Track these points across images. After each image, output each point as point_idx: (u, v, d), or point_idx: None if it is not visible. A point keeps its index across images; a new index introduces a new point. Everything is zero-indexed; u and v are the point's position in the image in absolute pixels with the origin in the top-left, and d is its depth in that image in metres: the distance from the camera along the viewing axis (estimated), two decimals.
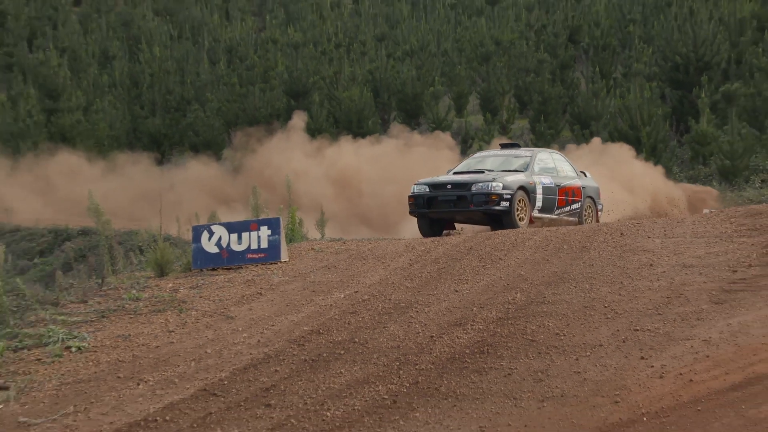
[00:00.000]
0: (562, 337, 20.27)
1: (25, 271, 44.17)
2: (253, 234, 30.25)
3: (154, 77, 79.59)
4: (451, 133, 62.72)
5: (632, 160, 49.24)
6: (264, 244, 30.13)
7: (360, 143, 53.42)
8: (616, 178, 43.65)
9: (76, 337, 23.57)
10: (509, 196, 32.92)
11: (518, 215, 33.45)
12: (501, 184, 33.19)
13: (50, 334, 23.78)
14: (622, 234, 28.66)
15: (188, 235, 31.58)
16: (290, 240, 32.17)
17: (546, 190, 34.93)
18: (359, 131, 61.54)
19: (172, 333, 23.77)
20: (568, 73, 71.34)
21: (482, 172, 34.91)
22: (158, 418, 18.47)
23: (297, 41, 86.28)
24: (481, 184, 33.22)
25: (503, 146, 38.84)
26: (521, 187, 33.85)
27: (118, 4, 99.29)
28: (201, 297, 26.87)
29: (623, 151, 50.54)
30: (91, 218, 35.47)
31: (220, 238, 30.18)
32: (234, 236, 30.18)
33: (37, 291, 29.22)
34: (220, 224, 31.10)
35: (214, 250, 30.05)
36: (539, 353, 19.57)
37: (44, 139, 68.04)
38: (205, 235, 30.34)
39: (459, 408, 17.63)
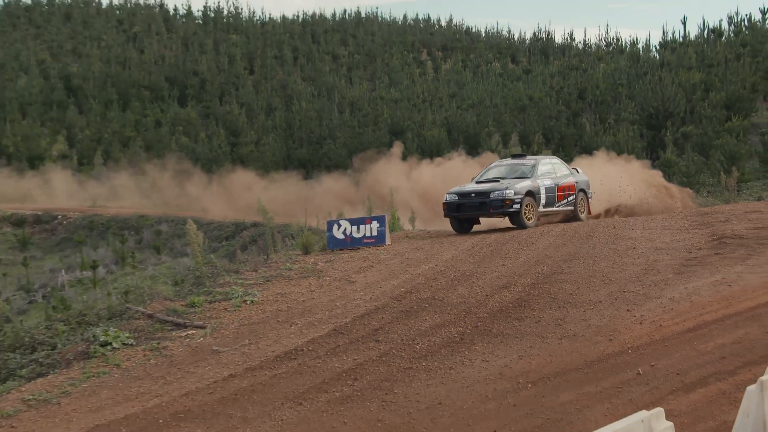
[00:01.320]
0: (574, 296, 20.27)
1: (216, 251, 44.42)
2: (367, 226, 30.37)
3: (302, 122, 79.93)
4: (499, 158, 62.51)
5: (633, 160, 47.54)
6: (374, 233, 30.23)
7: (437, 162, 53.25)
8: (626, 171, 42.06)
9: (249, 294, 23.72)
10: (519, 201, 31.67)
11: (526, 215, 32.03)
12: (513, 191, 31.75)
13: (233, 292, 23.94)
14: (614, 227, 28.69)
15: (324, 226, 31.73)
16: (392, 230, 32.27)
17: (548, 190, 33.33)
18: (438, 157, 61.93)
19: (313, 292, 23.90)
20: (578, 119, 70.96)
21: (498, 180, 33.20)
22: (304, 348, 18.63)
23: (396, 97, 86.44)
24: (497, 192, 31.79)
25: (514, 156, 37.02)
26: (528, 192, 32.35)
27: (278, 74, 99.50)
28: (332, 268, 26.99)
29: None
30: (260, 215, 35.72)
31: (345, 229, 30.29)
32: (354, 227, 30.31)
33: (224, 264, 29.40)
34: (345, 219, 31.19)
35: (341, 236, 30.13)
36: (559, 307, 19.59)
37: (228, 162, 68.51)
38: (335, 226, 30.46)
39: (505, 343, 17.70)
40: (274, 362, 18.06)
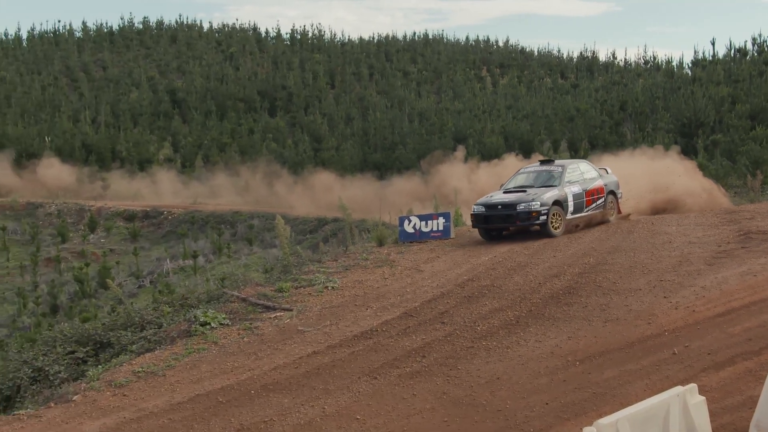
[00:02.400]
0: (617, 284, 20.10)
1: (301, 243, 44.55)
2: (434, 221, 30.20)
3: (376, 130, 79.93)
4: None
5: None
6: (441, 228, 30.07)
7: (494, 164, 52.93)
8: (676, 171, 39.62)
9: (330, 281, 23.72)
10: (545, 212, 28.02)
11: (553, 225, 28.29)
12: (539, 203, 28.07)
13: (316, 279, 23.95)
14: (652, 224, 28.46)
15: (396, 222, 31.62)
16: (455, 225, 32.05)
17: (575, 196, 29.40)
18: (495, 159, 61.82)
19: (386, 279, 23.84)
20: (620, 128, 70.34)
21: (524, 190, 29.29)
22: (378, 329, 18.60)
23: (459, 108, 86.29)
24: (523, 205, 28.10)
25: (542, 162, 32.19)
26: (555, 202, 28.58)
27: (356, 88, 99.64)
28: (403, 258, 26.93)
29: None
30: (340, 211, 35.76)
31: (414, 224, 30.15)
32: (423, 222, 30.18)
33: (308, 254, 29.44)
34: (415, 215, 31.11)
35: (411, 230, 30.02)
36: (603, 294, 19.43)
37: (312, 165, 68.65)
38: (406, 221, 30.35)
39: (556, 326, 17.58)
40: (352, 341, 18.06)
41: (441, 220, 30.28)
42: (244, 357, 17.88)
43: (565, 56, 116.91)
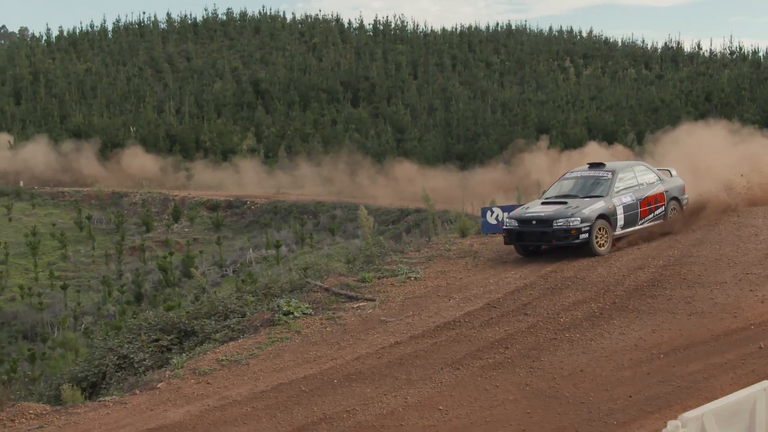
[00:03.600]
0: (702, 277, 19.91)
1: (383, 233, 44.66)
2: None
3: (459, 121, 79.83)
4: (633, 151, 61.30)
5: None
6: None
7: (568, 153, 52.45)
8: None
9: (413, 271, 23.77)
10: (587, 229, 23.79)
11: (598, 242, 24.04)
12: (579, 219, 23.86)
13: (398, 269, 24.01)
14: (738, 216, 27.90)
15: (479, 213, 31.55)
16: None
17: (627, 208, 25.07)
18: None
19: (469, 270, 23.85)
20: (705, 119, 69.65)
21: (565, 202, 24.88)
22: (461, 320, 18.64)
23: (543, 99, 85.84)
24: (561, 221, 23.93)
25: (591, 166, 26.93)
26: (600, 216, 24.33)
27: (439, 78, 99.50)
28: (486, 249, 26.89)
29: None
30: (423, 202, 35.81)
31: (497, 215, 29.96)
32: (505, 213, 30.01)
33: (391, 245, 29.48)
34: (497, 206, 30.99)
35: (494, 222, 29.87)
36: (688, 286, 19.27)
37: (394, 156, 68.69)
38: (488, 213, 30.24)
39: (639, 318, 17.48)
40: (435, 332, 18.11)
41: None
42: (326, 346, 18.01)
43: (649, 46, 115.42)
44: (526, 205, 26.23)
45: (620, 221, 24.91)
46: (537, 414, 13.62)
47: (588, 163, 27.39)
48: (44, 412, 15.85)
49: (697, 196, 28.14)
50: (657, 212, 26.19)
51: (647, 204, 25.82)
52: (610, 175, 25.59)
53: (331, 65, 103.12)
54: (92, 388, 19.91)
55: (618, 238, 24.94)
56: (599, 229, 24.19)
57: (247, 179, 72.58)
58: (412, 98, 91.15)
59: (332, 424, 13.97)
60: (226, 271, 49.69)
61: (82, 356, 27.82)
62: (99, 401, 16.42)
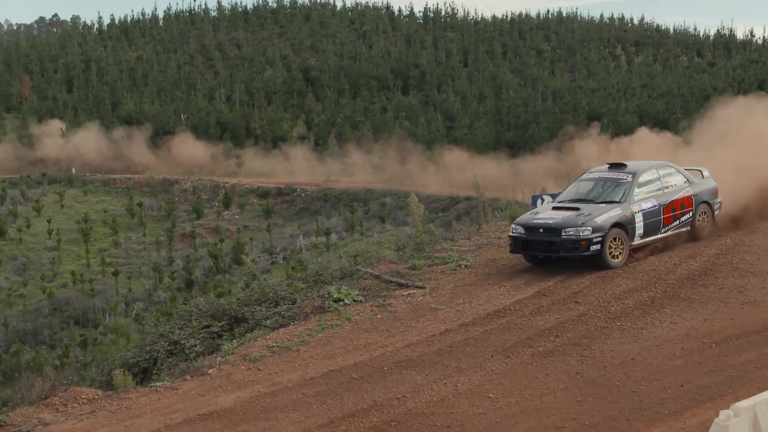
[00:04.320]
0: (755, 266, 19.84)
1: (433, 221, 44.61)
2: None
3: (509, 108, 79.64)
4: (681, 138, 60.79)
5: None
6: None
7: (618, 140, 52.03)
8: None
9: (464, 259, 23.76)
10: (599, 239, 21.42)
11: (612, 253, 21.70)
12: (590, 228, 21.47)
13: (449, 257, 24.02)
14: None
15: (529, 200, 31.47)
16: None
17: (647, 215, 22.51)
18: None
19: (520, 258, 23.74)
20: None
21: (577, 208, 22.56)
22: (511, 308, 18.67)
23: (593, 87, 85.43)
24: (571, 230, 21.59)
25: (611, 166, 24.31)
26: (616, 224, 21.88)
27: (489, 66, 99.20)
28: None
29: None
30: (473, 190, 35.70)
31: (547, 202, 29.91)
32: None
33: (441, 232, 29.48)
34: (548, 194, 30.89)
35: None
36: (741, 275, 19.19)
37: (445, 143, 68.60)
38: (539, 200, 30.09)
39: (691, 307, 17.43)
40: (485, 319, 18.13)
41: None
42: (377, 334, 18.06)
43: (701, 34, 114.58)
44: (535, 210, 24.17)
45: (639, 230, 22.38)
46: (587, 402, 13.61)
47: (608, 163, 24.88)
48: (96, 397, 15.99)
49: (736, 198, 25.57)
50: (683, 219, 23.55)
51: (672, 210, 23.21)
52: (630, 178, 23.12)
53: (381, 53, 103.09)
54: (143, 374, 20.06)
55: (636, 249, 22.51)
56: (613, 239, 21.83)
57: (297, 166, 72.75)
58: (463, 86, 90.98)
59: (382, 411, 14.02)
60: (276, 258, 49.83)
61: (133, 342, 27.98)
62: (150, 387, 16.55)
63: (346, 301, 20.38)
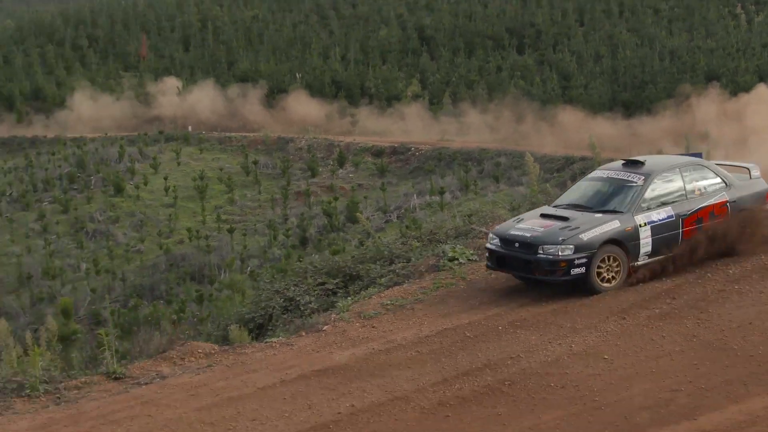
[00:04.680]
0: None
1: (548, 181, 44.21)
2: None
3: (626, 68, 78.63)
4: None
5: None
6: None
7: (736, 99, 50.92)
8: None
9: None
10: (583, 261, 17.33)
11: (603, 276, 17.60)
12: (572, 247, 17.35)
13: None
14: None
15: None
16: None
17: (658, 228, 18.11)
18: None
19: None
20: None
21: (566, 218, 18.23)
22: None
23: (712, 47, 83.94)
24: (549, 248, 17.46)
25: (625, 163, 19.62)
26: (609, 241, 17.70)
27: (605, 25, 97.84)
28: None
29: None
30: (589, 150, 35.36)
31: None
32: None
33: (557, 193, 29.17)
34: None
35: None
36: None
37: (560, 103, 68.08)
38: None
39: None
40: None
41: None
42: (491, 293, 18.09)
43: None
44: (519, 216, 20.08)
45: (645, 247, 18.18)
46: (704, 366, 13.50)
47: (622, 161, 20.16)
48: (213, 352, 16.29)
49: None
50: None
51: (696, 221, 18.70)
52: (640, 181, 18.66)
53: (496, 12, 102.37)
54: (259, 330, 20.32)
55: (637, 269, 18.20)
56: (605, 260, 17.78)
57: (411, 126, 72.73)
58: (578, 45, 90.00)
59: (496, 370, 14.08)
60: (390, 216, 50.03)
61: (248, 298, 28.33)
62: (266, 342, 16.81)
63: (460, 260, 20.38)
